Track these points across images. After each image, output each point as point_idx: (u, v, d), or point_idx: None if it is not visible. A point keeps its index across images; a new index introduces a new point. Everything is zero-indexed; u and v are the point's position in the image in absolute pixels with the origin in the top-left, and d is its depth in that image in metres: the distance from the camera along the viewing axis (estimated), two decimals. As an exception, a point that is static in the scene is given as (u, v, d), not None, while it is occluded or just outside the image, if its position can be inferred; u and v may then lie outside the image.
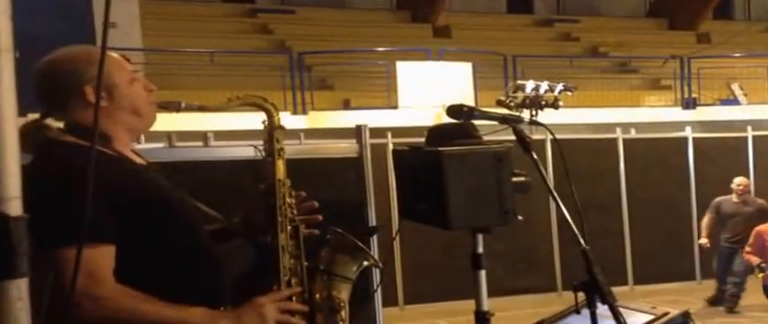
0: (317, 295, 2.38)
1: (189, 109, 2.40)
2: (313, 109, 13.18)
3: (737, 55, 17.01)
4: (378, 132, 7.59)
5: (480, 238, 4.08)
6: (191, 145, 5.22)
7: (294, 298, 2.32)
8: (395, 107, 12.54)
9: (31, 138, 2.16)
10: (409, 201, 3.40)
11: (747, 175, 9.33)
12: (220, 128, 6.41)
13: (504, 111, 7.21)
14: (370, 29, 17.16)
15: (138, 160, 2.37)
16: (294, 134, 8.40)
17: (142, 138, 5.41)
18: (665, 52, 16.50)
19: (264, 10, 17.83)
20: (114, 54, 2.34)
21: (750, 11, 22.82)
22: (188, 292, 2.18)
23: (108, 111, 2.23)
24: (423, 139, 3.93)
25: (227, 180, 4.57)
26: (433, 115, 10.64)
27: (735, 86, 14.95)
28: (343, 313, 2.41)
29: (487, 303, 4.05)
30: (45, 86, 2.28)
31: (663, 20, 20.97)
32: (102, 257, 2.07)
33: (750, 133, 9.59)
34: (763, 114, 13.25)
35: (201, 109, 2.55)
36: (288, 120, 9.03)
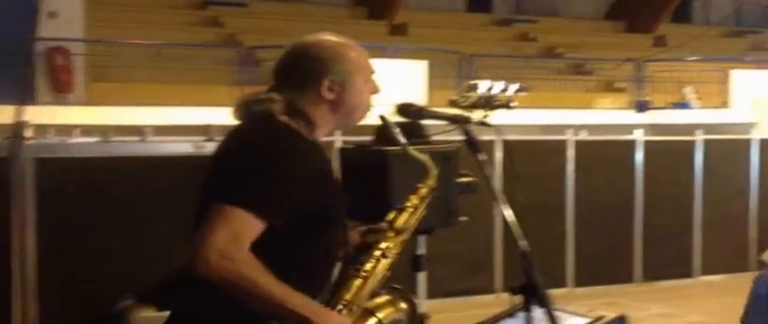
0: None
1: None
2: (262, 105, 13.01)
3: (692, 59, 17.22)
4: (328, 130, 7.50)
5: (423, 239, 4.07)
6: (128, 140, 5.11)
7: None
8: (347, 105, 12.41)
9: (251, 106, 2.29)
10: (354, 199, 3.35)
11: (693, 180, 9.42)
12: (159, 122, 6.27)
13: (456, 110, 7.19)
14: (325, 25, 16.99)
15: None
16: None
17: (76, 131, 5.33)
18: (620, 55, 16.66)
19: (215, 2, 17.60)
20: (362, 50, 2.42)
21: (709, 15, 23.13)
22: (300, 282, 2.21)
23: (331, 104, 2.35)
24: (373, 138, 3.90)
25: (165, 176, 4.53)
26: (388, 113, 10.55)
27: (687, 90, 15.13)
28: None
29: (426, 305, 4.05)
30: (291, 64, 2.37)
31: (621, 22, 21.16)
32: (252, 228, 2.13)
33: (700, 137, 9.68)
34: (713, 118, 13.42)
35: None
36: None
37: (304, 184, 2.20)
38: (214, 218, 2.11)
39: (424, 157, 2.53)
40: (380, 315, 2.41)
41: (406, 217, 2.47)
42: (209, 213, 2.12)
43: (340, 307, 2.31)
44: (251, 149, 2.22)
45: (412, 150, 2.51)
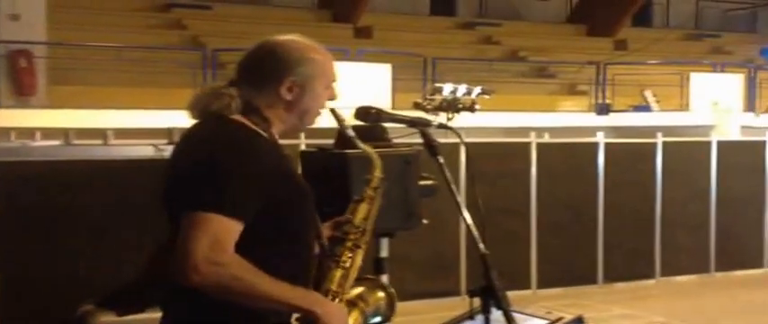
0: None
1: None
2: (226, 108, 12.95)
3: (652, 62, 17.43)
4: (291, 133, 7.49)
5: (385, 242, 4.09)
6: (89, 143, 5.07)
7: None
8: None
9: (209, 102, 2.29)
10: (315, 203, 3.36)
11: (655, 182, 9.54)
12: (121, 126, 6.22)
13: (416, 113, 7.20)
14: (290, 27, 16.70)
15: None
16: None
17: (37, 135, 5.28)
18: (582, 58, 16.82)
19: (179, 5, 17.49)
20: (329, 56, 2.43)
21: (669, 19, 23.42)
22: (295, 276, 2.24)
23: (288, 105, 2.35)
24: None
25: (127, 179, 4.50)
26: (350, 116, 10.57)
27: (647, 93, 15.30)
28: None
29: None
30: (256, 61, 2.37)
31: (582, 26, 21.36)
32: (230, 230, 2.14)
33: (660, 140, 9.80)
34: (673, 121, 13.59)
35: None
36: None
37: (267, 181, 2.21)
38: (190, 227, 2.11)
39: (369, 150, 2.56)
40: (362, 305, 2.45)
41: (366, 207, 2.51)
42: (184, 223, 2.13)
43: (329, 298, 2.35)
44: (211, 152, 2.21)
45: (359, 142, 2.54)
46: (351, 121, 2.86)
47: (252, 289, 2.14)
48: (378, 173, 2.54)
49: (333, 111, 2.52)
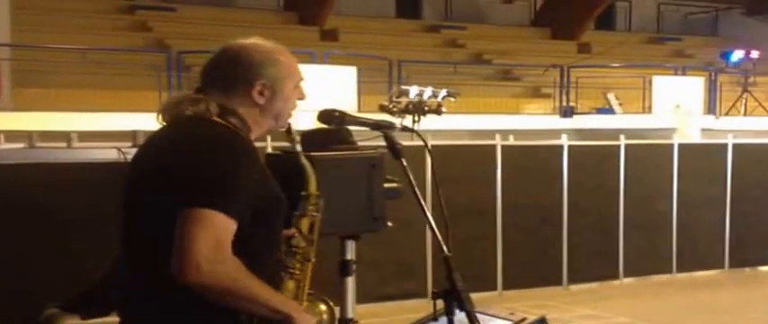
0: None
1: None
2: (191, 110, 12.88)
3: (615, 65, 17.60)
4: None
5: (350, 244, 4.10)
6: (53, 146, 5.03)
7: None
8: (277, 110, 12.37)
9: (185, 107, 2.28)
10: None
11: (618, 183, 9.64)
12: (85, 128, 6.14)
13: (381, 116, 7.22)
14: (255, 30, 16.63)
15: None
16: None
17: (0, 138, 5.23)
18: (546, 61, 16.93)
19: (143, 7, 17.36)
20: (293, 57, 2.47)
21: (631, 22, 23.66)
22: (267, 281, 2.25)
23: (261, 108, 2.37)
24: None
25: (90, 182, 4.47)
26: (315, 119, 10.55)
27: (611, 96, 15.45)
28: None
29: (355, 310, 4.08)
30: (223, 66, 2.37)
31: (546, 29, 21.52)
32: (229, 229, 2.14)
33: (622, 142, 9.90)
34: (635, 124, 13.73)
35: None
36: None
37: (255, 180, 2.23)
38: (188, 225, 2.09)
39: (308, 167, 2.54)
40: None
41: (308, 221, 2.51)
42: (180, 221, 2.10)
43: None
44: (202, 150, 2.20)
45: (302, 158, 2.54)
46: (315, 124, 2.87)
47: (245, 290, 2.15)
48: (312, 188, 2.52)
49: (287, 128, 2.54)
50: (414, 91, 9.65)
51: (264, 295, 2.20)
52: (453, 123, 11.43)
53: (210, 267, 2.08)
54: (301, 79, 2.47)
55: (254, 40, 2.42)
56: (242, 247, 2.18)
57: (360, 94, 12.75)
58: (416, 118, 9.18)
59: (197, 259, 2.07)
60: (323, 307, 2.56)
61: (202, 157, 2.18)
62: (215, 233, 2.10)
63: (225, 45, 2.42)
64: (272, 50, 2.41)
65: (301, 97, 2.49)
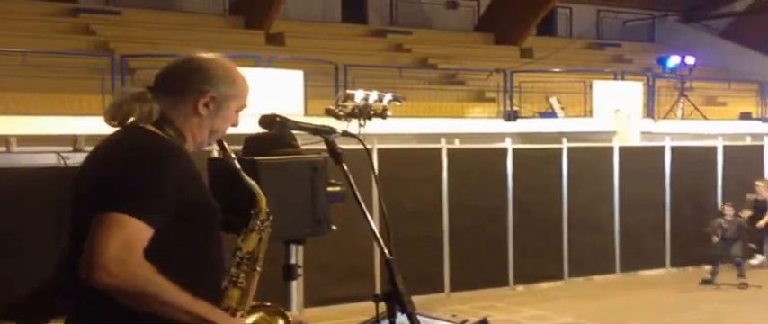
0: None
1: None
2: (135, 114, 12.70)
3: (557, 70, 17.82)
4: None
5: (294, 248, 4.10)
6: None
7: None
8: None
9: (130, 107, 2.31)
10: (223, 210, 3.37)
11: (561, 185, 9.78)
12: (25, 132, 6.00)
13: (325, 121, 7.24)
14: (201, 33, 16.80)
15: None
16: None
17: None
18: (490, 66, 17.06)
19: (87, 10, 17.08)
20: (247, 82, 2.50)
21: (572, 28, 23.98)
22: (195, 290, 2.23)
23: (201, 120, 2.39)
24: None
25: (30, 187, 4.40)
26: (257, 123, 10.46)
27: (553, 100, 15.62)
28: None
29: (302, 314, 4.07)
30: (179, 72, 2.41)
31: (490, 35, 21.69)
32: (141, 234, 2.15)
33: (565, 145, 10.04)
34: (577, 127, 13.91)
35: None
36: (107, 125, 8.72)
37: (179, 187, 2.24)
38: (100, 227, 2.11)
39: (254, 186, 2.54)
40: None
41: (256, 236, 2.49)
42: (94, 224, 2.12)
43: (229, 314, 2.35)
44: (123, 158, 2.24)
45: (244, 177, 2.52)
46: (255, 129, 2.86)
47: (158, 294, 2.13)
48: (263, 206, 2.52)
49: (220, 143, 2.55)
50: (360, 95, 9.68)
51: (181, 301, 2.17)
52: (399, 127, 11.47)
53: (118, 269, 2.08)
54: (245, 106, 2.51)
55: (217, 56, 2.48)
56: (163, 255, 2.18)
57: (306, 98, 12.70)
58: (362, 122, 9.21)
59: (103, 260, 2.08)
60: (281, 321, 2.54)
61: (124, 165, 2.22)
62: (123, 236, 2.11)
63: (191, 55, 2.47)
64: (232, 71, 2.47)
65: (235, 123, 2.52)
